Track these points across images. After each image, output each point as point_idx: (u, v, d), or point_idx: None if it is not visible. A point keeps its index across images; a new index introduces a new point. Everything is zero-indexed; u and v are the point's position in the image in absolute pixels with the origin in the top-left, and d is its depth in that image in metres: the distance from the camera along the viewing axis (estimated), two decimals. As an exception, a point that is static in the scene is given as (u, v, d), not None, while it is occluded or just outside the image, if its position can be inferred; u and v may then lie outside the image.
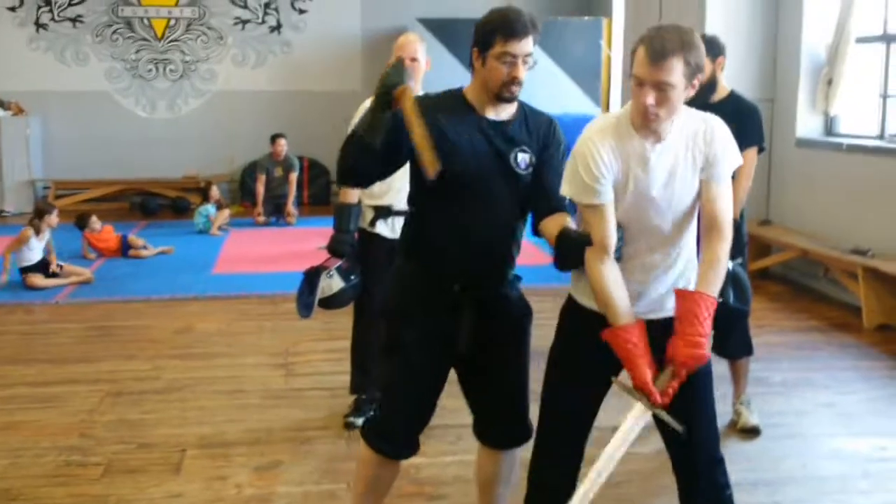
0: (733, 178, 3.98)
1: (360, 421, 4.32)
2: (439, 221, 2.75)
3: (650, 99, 2.38)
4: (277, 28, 12.12)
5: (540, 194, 2.75)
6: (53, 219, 7.51)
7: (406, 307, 2.81)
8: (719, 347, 4.34)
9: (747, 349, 4.31)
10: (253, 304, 6.66)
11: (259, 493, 3.67)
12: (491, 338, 2.85)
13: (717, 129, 2.52)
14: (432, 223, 2.77)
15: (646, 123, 2.45)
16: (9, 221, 10.62)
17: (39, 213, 7.48)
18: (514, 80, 2.66)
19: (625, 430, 2.59)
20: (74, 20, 11.79)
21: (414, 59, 4.25)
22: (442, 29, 10.47)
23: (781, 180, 7.82)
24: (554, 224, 2.68)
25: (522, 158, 2.75)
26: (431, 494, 3.67)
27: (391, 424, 2.88)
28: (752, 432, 4.23)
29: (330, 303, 4.26)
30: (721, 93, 4.28)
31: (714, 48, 4.24)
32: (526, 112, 2.83)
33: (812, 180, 7.42)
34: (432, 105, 2.73)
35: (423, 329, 2.78)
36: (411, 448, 2.95)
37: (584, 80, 11.10)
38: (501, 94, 2.69)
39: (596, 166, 2.50)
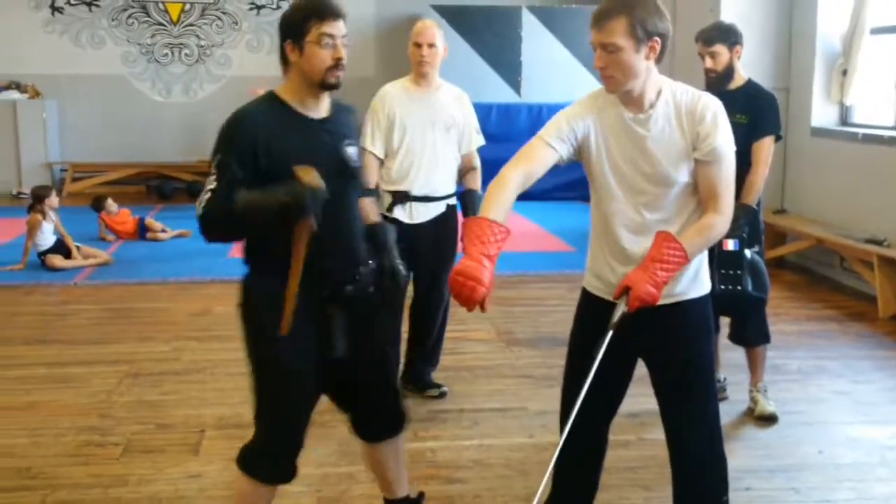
0: (748, 165, 4.04)
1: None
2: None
3: (599, 62, 2.44)
4: (292, 13, 12.10)
5: None
6: (53, 199, 7.56)
7: (276, 324, 2.60)
8: (736, 335, 4.36)
9: (764, 337, 4.32)
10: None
11: (278, 473, 3.69)
12: (356, 338, 2.77)
13: (710, 108, 2.52)
14: (285, 235, 2.55)
15: (607, 89, 2.51)
16: (26, 203, 10.65)
17: (39, 198, 7.50)
18: (338, 63, 2.57)
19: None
20: (90, 4, 11.81)
21: (431, 45, 4.26)
22: (455, 15, 10.46)
23: (797, 169, 7.81)
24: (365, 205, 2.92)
25: (352, 151, 2.73)
26: (449, 478, 3.70)
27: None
28: (769, 419, 4.24)
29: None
30: (738, 81, 4.27)
31: (731, 36, 4.24)
32: (338, 105, 2.78)
33: (827, 169, 7.41)
34: (257, 124, 2.57)
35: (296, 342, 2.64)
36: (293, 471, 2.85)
37: (599, 69, 11.07)
38: (327, 80, 2.59)
39: (567, 121, 2.58)
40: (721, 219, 2.53)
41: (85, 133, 11.81)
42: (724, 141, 2.53)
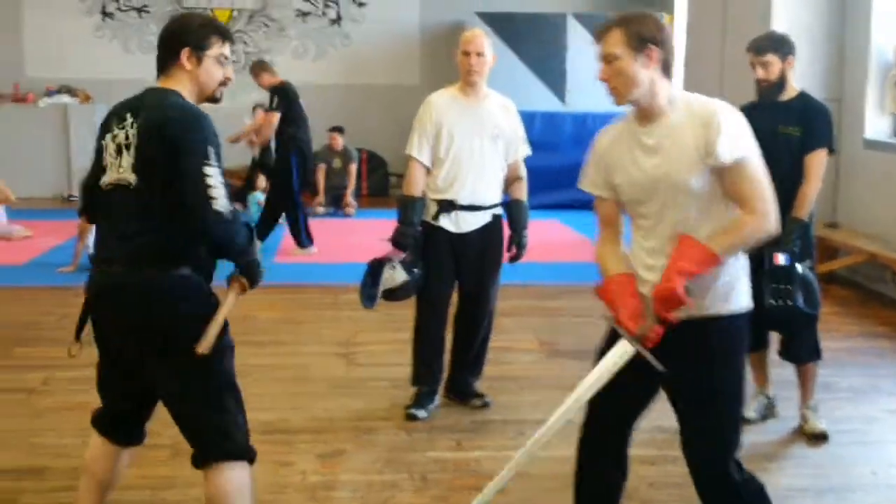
0: (801, 178, 3.98)
1: (421, 413, 4.36)
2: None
3: (602, 74, 2.59)
4: (338, 21, 12.20)
5: None
6: None
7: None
8: (787, 351, 4.30)
9: (815, 354, 4.25)
10: (314, 294, 6.73)
11: (323, 479, 3.72)
12: None
13: (718, 114, 2.53)
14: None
15: (614, 102, 2.62)
16: (77, 206, 10.83)
17: None
18: (226, 82, 2.76)
19: (605, 361, 2.67)
20: (140, 10, 11.99)
21: (480, 54, 4.26)
22: (500, 23, 10.45)
23: (849, 182, 7.68)
24: None
25: None
26: (493, 488, 3.68)
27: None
28: (819, 438, 4.17)
29: (393, 294, 4.30)
30: (790, 92, 4.22)
31: (784, 46, 4.19)
32: None
33: (880, 182, 7.28)
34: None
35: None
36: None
37: (644, 77, 11.01)
38: (215, 95, 2.76)
39: (590, 164, 2.80)
40: (754, 218, 2.52)
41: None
42: (733, 144, 2.51)
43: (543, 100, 10.87)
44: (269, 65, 8.64)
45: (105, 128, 2.73)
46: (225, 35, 2.73)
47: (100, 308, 2.75)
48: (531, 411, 4.49)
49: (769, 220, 2.53)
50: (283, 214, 8.44)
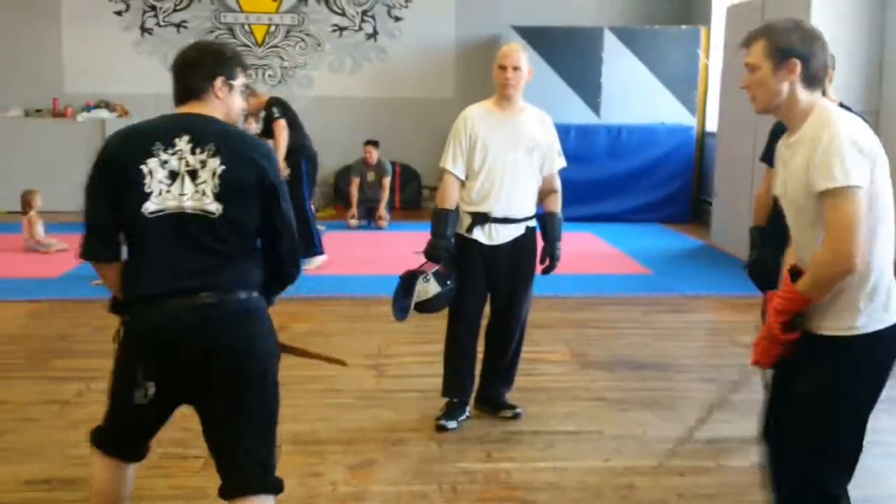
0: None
1: (451, 424, 4.36)
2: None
3: (743, 82, 2.65)
4: (374, 35, 12.28)
5: None
6: None
7: None
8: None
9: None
10: (346, 306, 6.76)
11: (353, 490, 3.73)
12: None
13: (826, 139, 2.46)
14: None
15: (754, 108, 2.67)
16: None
17: None
18: (243, 111, 2.86)
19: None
20: (179, 25, 12.15)
21: (517, 69, 4.27)
22: (536, 36, 10.46)
23: (886, 195, 7.58)
24: None
25: None
26: (523, 500, 3.68)
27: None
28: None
29: (425, 306, 4.32)
30: (828, 104, 4.17)
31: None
32: None
33: (919, 195, 7.18)
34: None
35: None
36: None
37: (680, 90, 10.97)
38: (236, 124, 2.81)
39: None
40: (824, 255, 2.47)
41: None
42: (827, 173, 2.44)
43: (578, 113, 10.86)
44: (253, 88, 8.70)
45: (136, 151, 2.59)
46: (246, 67, 2.79)
47: (171, 342, 2.58)
48: (562, 423, 4.48)
49: (841, 258, 2.43)
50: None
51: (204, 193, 2.57)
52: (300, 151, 8.21)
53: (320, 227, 8.98)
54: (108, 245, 2.64)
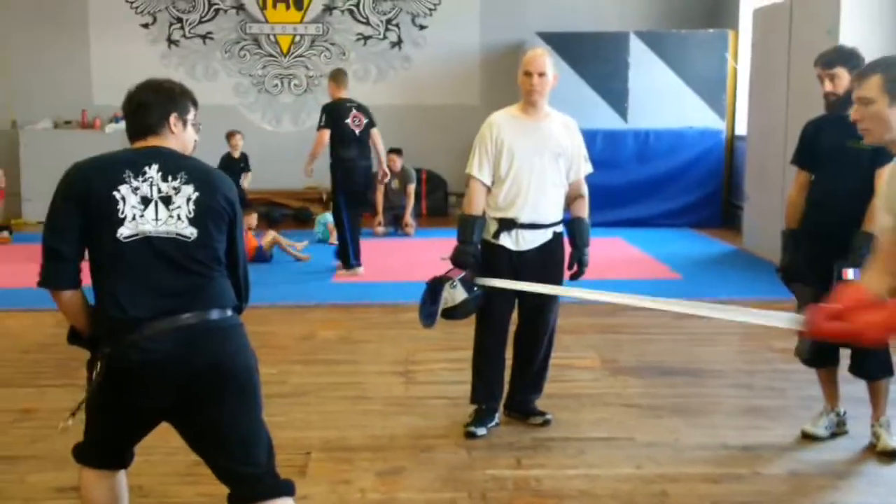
0: (873, 192, 3.88)
1: (481, 430, 4.33)
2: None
3: (856, 114, 2.72)
4: (398, 44, 12.31)
5: None
6: None
7: None
8: (857, 367, 4.17)
9: (887, 370, 4.12)
10: (374, 313, 6.75)
11: (382, 497, 3.70)
12: None
13: None
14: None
15: (864, 140, 2.80)
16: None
17: None
18: (196, 144, 2.91)
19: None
20: (205, 37, 12.24)
21: (542, 74, 4.25)
22: (562, 43, 10.42)
23: (919, 197, 7.46)
24: None
25: None
26: (554, 507, 3.63)
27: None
28: (892, 455, 4.03)
29: (453, 313, 4.28)
30: (860, 105, 4.11)
31: (853, 60, 4.11)
32: None
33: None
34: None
35: None
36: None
37: (708, 94, 10.90)
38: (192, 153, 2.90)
39: None
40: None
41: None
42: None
43: (605, 118, 10.82)
44: (339, 78, 8.67)
45: (108, 179, 2.63)
46: (196, 103, 2.86)
47: (156, 365, 2.60)
48: (592, 429, 4.43)
49: None
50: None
51: (179, 218, 2.65)
52: (336, 164, 8.28)
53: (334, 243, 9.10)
54: (71, 273, 2.66)
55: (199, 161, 2.83)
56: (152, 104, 2.77)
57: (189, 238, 2.65)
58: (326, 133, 8.22)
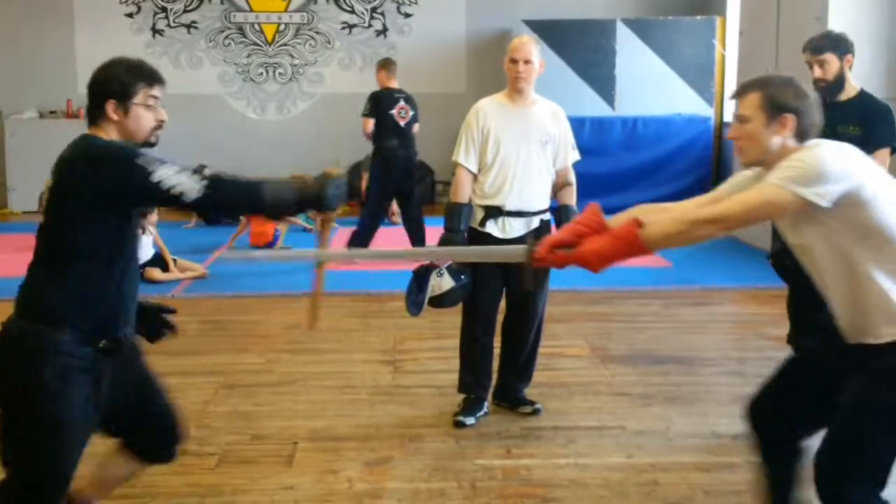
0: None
1: (469, 420, 4.29)
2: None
3: (731, 132, 2.67)
4: (383, 32, 12.23)
5: None
6: (151, 216, 7.70)
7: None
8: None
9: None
10: (360, 302, 6.71)
11: (370, 487, 3.67)
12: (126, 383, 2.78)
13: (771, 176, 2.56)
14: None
15: (740, 159, 2.69)
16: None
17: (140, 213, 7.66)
18: (160, 124, 2.70)
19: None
20: (189, 26, 12.13)
21: (528, 62, 4.21)
22: (548, 30, 10.37)
23: (908, 183, 7.46)
24: None
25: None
26: (544, 497, 3.60)
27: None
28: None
29: (439, 301, 4.25)
30: (850, 92, 4.10)
31: (842, 45, 4.09)
32: None
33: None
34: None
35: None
36: None
37: (696, 81, 10.87)
38: (149, 139, 2.68)
39: None
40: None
41: (182, 150, 12.01)
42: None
43: (593, 105, 10.78)
44: (389, 67, 8.63)
45: None
46: (151, 79, 2.66)
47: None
48: (582, 418, 4.40)
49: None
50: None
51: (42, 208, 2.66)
52: (377, 153, 8.27)
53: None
54: None
55: (82, 142, 2.63)
56: (89, 91, 2.65)
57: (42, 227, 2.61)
58: (370, 122, 8.21)
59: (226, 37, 12.19)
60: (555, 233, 2.48)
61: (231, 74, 12.25)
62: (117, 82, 2.63)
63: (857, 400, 2.49)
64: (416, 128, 8.44)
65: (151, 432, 2.92)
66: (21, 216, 10.91)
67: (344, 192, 2.71)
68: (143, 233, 7.57)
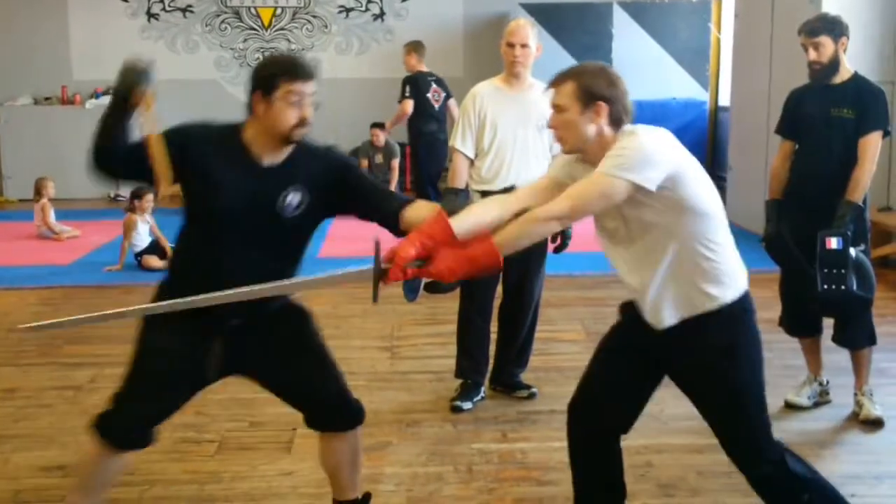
0: (855, 161, 3.89)
1: (466, 405, 4.33)
2: (198, 257, 2.78)
3: (550, 122, 2.68)
4: (380, 16, 12.21)
5: (378, 202, 2.85)
6: (148, 201, 7.70)
7: (158, 322, 2.84)
8: (840, 336, 4.20)
9: (870, 339, 4.15)
10: (358, 288, 6.68)
11: (368, 472, 3.69)
12: (268, 351, 2.87)
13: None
14: (192, 257, 2.82)
15: (561, 148, 2.77)
16: (123, 206, 10.96)
17: (137, 196, 7.67)
18: (303, 122, 2.65)
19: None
20: (185, 10, 12.10)
21: (525, 45, 4.22)
22: (545, 14, 10.38)
23: (902, 165, 7.49)
24: (423, 209, 2.76)
25: (292, 199, 2.72)
26: (539, 479, 3.65)
27: (122, 417, 2.88)
28: (875, 424, 4.07)
29: (436, 287, 4.26)
30: (844, 75, 4.11)
31: (837, 27, 4.09)
32: (301, 151, 2.77)
33: (936, 166, 7.09)
34: (206, 137, 2.77)
35: (172, 346, 2.81)
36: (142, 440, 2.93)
37: (691, 64, 10.89)
38: (291, 137, 2.67)
39: None
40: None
41: (180, 136, 12.10)
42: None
43: (588, 89, 10.78)
44: (419, 50, 8.60)
45: None
46: (293, 73, 2.62)
47: None
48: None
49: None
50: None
51: None
52: (417, 138, 8.25)
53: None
54: None
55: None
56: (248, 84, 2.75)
57: None
58: (410, 104, 8.18)
59: (222, 21, 12.16)
60: (401, 243, 2.50)
61: (227, 59, 12.23)
62: (263, 75, 2.65)
63: (715, 387, 2.80)
64: (452, 106, 8.31)
65: (308, 403, 2.97)
66: (17, 204, 10.89)
67: (135, 68, 2.84)
68: (141, 219, 7.60)
